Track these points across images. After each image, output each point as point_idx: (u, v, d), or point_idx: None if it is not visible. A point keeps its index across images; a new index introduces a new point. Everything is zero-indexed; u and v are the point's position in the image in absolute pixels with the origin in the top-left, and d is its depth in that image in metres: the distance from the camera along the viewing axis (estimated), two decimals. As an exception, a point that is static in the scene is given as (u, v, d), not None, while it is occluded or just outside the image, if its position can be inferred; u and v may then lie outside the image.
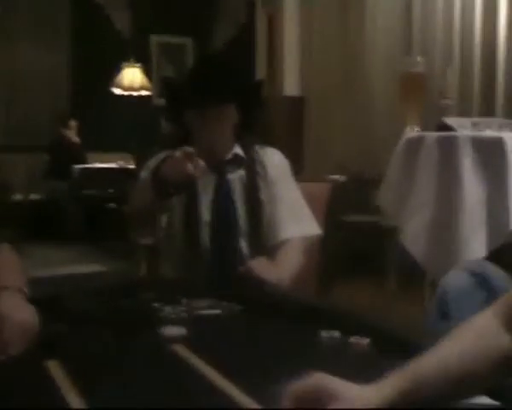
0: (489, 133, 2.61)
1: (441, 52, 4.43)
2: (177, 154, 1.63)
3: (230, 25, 6.93)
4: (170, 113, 2.08)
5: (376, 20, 5.00)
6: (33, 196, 6.56)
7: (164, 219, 1.94)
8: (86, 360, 1.10)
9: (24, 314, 1.16)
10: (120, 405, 0.92)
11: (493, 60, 4.12)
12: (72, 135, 6.96)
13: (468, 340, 0.86)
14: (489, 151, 2.44)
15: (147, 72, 7.37)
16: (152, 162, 1.87)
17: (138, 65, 7.17)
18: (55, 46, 7.30)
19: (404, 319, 1.49)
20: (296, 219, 1.95)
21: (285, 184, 2.00)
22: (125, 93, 7.20)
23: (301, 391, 0.78)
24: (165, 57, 7.91)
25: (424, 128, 3.04)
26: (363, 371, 1.02)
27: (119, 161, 6.79)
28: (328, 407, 0.75)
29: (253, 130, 2.05)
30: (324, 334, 1.20)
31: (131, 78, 7.15)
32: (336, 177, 4.21)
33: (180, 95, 1.95)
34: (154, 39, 7.83)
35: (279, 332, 1.28)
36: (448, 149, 2.56)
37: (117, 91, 7.17)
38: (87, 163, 6.96)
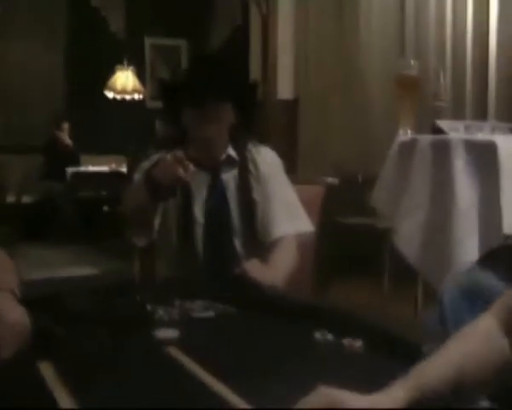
0: (481, 137, 2.63)
1: (434, 55, 4.45)
2: (168, 157, 1.66)
3: (225, 26, 6.94)
4: (166, 113, 2.09)
5: (371, 22, 5.02)
6: (28, 198, 6.54)
7: (158, 220, 1.94)
8: (79, 362, 1.10)
9: (15, 316, 1.15)
10: (113, 406, 0.92)
11: (485, 64, 4.15)
12: (65, 137, 6.96)
13: (471, 345, 0.86)
14: (481, 154, 2.45)
15: (141, 74, 7.37)
16: (146, 164, 1.87)
17: (131, 68, 7.17)
18: (51, 47, 7.30)
19: (398, 320, 1.49)
20: (289, 216, 1.96)
21: (277, 182, 2.01)
22: (118, 96, 7.20)
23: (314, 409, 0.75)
24: (159, 59, 7.92)
25: (419, 130, 3.05)
26: (357, 373, 1.03)
27: (111, 164, 6.80)
28: None
29: (249, 130, 2.06)
30: (318, 335, 1.20)
31: (124, 81, 7.16)
32: (331, 179, 4.22)
33: (177, 95, 1.96)
34: (149, 41, 7.83)
35: (273, 334, 1.28)
36: (441, 151, 2.57)
37: (110, 95, 7.17)
38: (81, 165, 6.96)
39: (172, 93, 2.00)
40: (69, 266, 5.07)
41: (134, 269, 1.58)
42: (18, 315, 1.16)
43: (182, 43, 7.87)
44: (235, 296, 1.47)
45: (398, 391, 0.78)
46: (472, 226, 2.39)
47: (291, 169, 2.22)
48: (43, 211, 6.42)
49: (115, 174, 6.51)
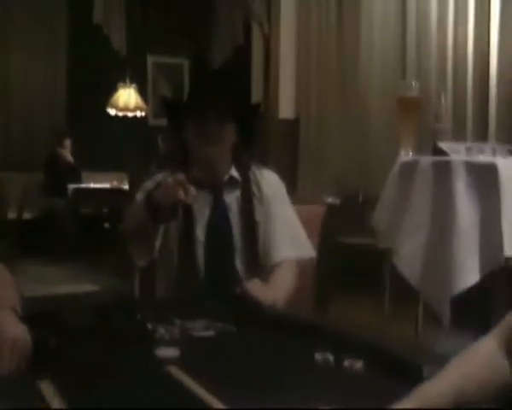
0: (482, 158, 2.64)
1: (435, 77, 4.48)
2: (169, 180, 1.67)
3: (227, 46, 6.98)
4: (170, 131, 2.10)
5: (372, 44, 5.05)
6: (29, 214, 6.55)
7: (159, 240, 1.94)
8: (78, 379, 1.09)
9: (16, 332, 1.16)
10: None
11: (486, 86, 4.17)
12: (67, 154, 6.98)
13: (471, 366, 0.86)
14: (482, 176, 2.46)
15: (143, 91, 7.41)
16: (148, 184, 1.88)
17: (133, 85, 7.21)
18: (53, 64, 7.34)
19: (399, 340, 1.49)
20: (291, 240, 1.96)
21: (280, 205, 2.01)
22: (120, 113, 7.23)
23: None
24: (161, 77, 7.96)
25: (420, 151, 3.06)
26: (357, 393, 1.03)
27: (113, 181, 6.81)
28: None
29: (251, 150, 2.07)
30: (318, 356, 1.20)
31: (126, 98, 7.19)
32: (331, 199, 4.23)
33: (179, 114, 1.97)
34: (151, 59, 7.88)
35: (274, 353, 1.28)
36: (442, 172, 2.58)
37: (112, 112, 7.19)
38: (82, 182, 6.96)
39: (175, 112, 2.01)
40: (69, 283, 5.06)
41: (134, 287, 1.58)
42: (19, 332, 1.16)
43: (184, 62, 7.92)
44: (236, 316, 1.47)
45: None
46: (473, 248, 2.39)
47: (291, 188, 2.23)
48: (43, 227, 6.42)
49: (117, 191, 6.51)
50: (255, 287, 1.70)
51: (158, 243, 1.92)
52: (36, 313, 1.29)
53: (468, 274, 2.38)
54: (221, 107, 1.89)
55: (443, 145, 2.79)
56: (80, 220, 6.57)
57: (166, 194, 1.67)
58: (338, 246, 4.05)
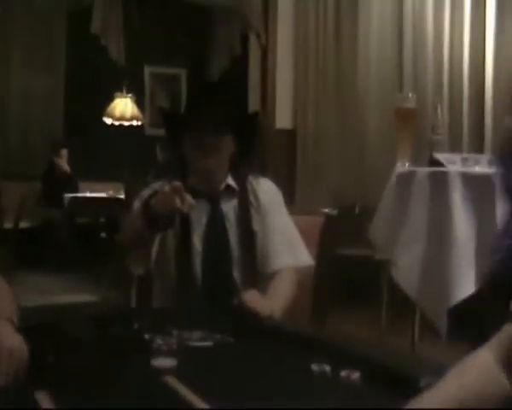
0: (478, 169, 2.65)
1: (432, 89, 4.51)
2: (166, 188, 1.67)
3: (224, 56, 7.00)
4: (167, 141, 2.11)
5: (369, 56, 5.08)
6: (26, 223, 6.53)
7: (155, 248, 1.94)
8: (75, 390, 1.09)
9: (13, 343, 1.15)
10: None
11: (482, 97, 4.20)
12: (64, 163, 6.97)
13: (469, 378, 0.86)
14: (478, 187, 2.47)
15: (140, 101, 7.42)
16: (145, 192, 1.88)
17: (130, 95, 7.22)
18: (50, 74, 7.35)
19: (395, 351, 1.49)
20: (289, 249, 1.96)
21: (278, 214, 2.01)
22: (117, 123, 7.24)
23: None
24: (159, 87, 7.97)
25: (416, 162, 3.08)
26: (353, 405, 1.03)
27: (109, 191, 6.80)
28: None
29: (248, 160, 2.07)
30: (315, 367, 1.20)
31: (123, 108, 7.20)
32: (329, 210, 4.23)
33: (178, 124, 1.97)
34: (148, 69, 7.90)
35: (271, 364, 1.28)
36: (439, 183, 2.59)
37: (108, 121, 7.20)
38: (79, 192, 6.96)
39: (173, 123, 2.02)
40: (66, 293, 5.05)
41: (131, 297, 1.58)
42: (15, 343, 1.16)
43: (181, 72, 7.94)
44: (234, 326, 1.47)
45: None
46: (469, 260, 2.40)
47: (289, 199, 2.24)
48: (40, 237, 6.41)
49: (113, 201, 6.50)
50: (252, 298, 1.70)
51: (155, 252, 1.92)
52: (33, 324, 1.29)
53: (465, 286, 2.39)
54: (219, 119, 1.89)
55: (439, 156, 2.80)
56: (77, 230, 6.56)
57: (163, 202, 1.67)
58: (335, 257, 4.05)
